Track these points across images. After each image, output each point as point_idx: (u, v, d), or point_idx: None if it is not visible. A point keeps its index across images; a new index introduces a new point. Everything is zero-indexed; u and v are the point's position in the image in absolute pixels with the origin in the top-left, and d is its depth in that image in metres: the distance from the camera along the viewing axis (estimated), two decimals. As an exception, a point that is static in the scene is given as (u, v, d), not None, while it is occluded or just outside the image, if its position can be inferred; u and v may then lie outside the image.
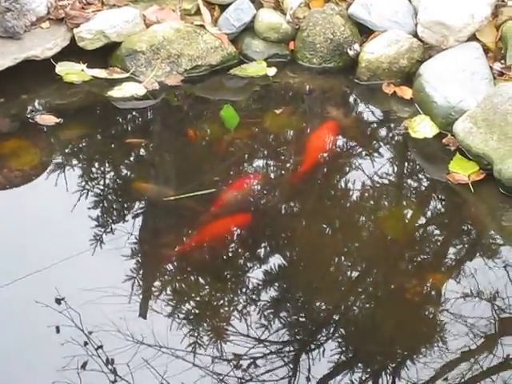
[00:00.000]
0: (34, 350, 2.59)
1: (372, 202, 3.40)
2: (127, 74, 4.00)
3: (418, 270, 3.03)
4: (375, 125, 3.93)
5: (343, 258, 3.10)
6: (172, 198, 3.23)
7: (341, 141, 3.78)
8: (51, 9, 4.07)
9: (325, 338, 2.70)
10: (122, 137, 3.74)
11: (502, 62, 3.90)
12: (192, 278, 2.99)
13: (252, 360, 2.60)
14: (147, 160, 3.64)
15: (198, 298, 2.87)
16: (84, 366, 2.54)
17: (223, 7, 4.24)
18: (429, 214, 3.38)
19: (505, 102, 3.45)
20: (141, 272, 2.94)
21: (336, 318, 2.84)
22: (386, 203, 3.43)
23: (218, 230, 3.15)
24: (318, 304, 2.88)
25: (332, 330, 2.75)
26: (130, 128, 3.89)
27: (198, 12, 4.25)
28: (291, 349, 2.67)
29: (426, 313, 2.87)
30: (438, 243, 3.21)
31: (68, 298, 2.76)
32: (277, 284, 2.94)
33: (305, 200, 3.39)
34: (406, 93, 3.96)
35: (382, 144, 3.74)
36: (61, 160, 3.51)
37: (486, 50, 3.96)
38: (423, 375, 2.56)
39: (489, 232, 3.29)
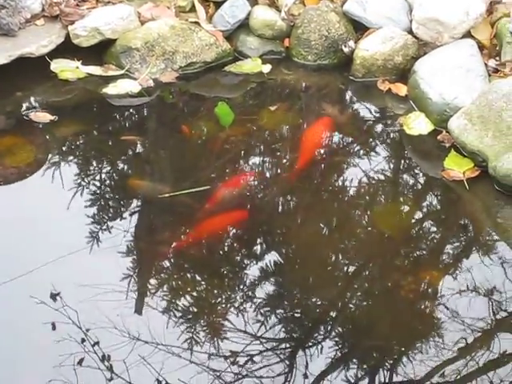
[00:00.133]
0: (30, 347, 2.58)
1: (367, 199, 3.39)
2: (122, 71, 4.00)
3: (412, 266, 3.04)
4: (370, 122, 3.94)
5: (338, 255, 3.11)
6: (167, 195, 3.23)
7: (335, 137, 3.78)
8: (46, 6, 4.07)
9: (321, 335, 2.70)
10: (116, 134, 3.74)
11: (497, 58, 3.90)
12: (188, 274, 2.99)
13: (248, 356, 2.60)
14: (142, 157, 3.63)
15: (194, 295, 2.87)
16: (80, 362, 2.54)
17: (218, 4, 4.24)
18: (423, 210, 3.38)
19: (499, 99, 3.46)
20: (137, 269, 2.94)
21: (332, 314, 2.85)
22: (380, 200, 3.43)
23: (214, 227, 3.15)
24: (313, 300, 2.88)
25: (328, 326, 2.75)
26: (124, 125, 3.89)
27: (192, 9, 4.25)
28: (288, 345, 2.67)
29: (421, 309, 2.87)
30: (433, 240, 3.21)
31: (64, 295, 2.76)
32: (273, 280, 2.94)
33: (299, 196, 3.39)
34: (401, 89, 3.97)
35: (376, 141, 3.74)
36: (56, 157, 3.50)
37: (481, 46, 3.96)
38: (419, 371, 2.57)
39: (484, 229, 3.29)
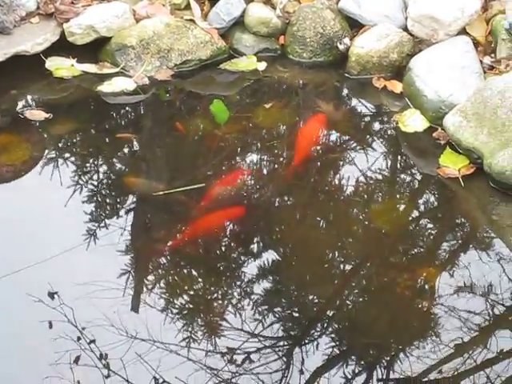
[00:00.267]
0: (26, 345, 2.58)
1: (362, 197, 3.39)
2: (117, 69, 3.99)
3: (409, 263, 3.04)
4: (365, 119, 3.94)
5: (335, 252, 3.11)
6: (162, 192, 3.23)
7: (331, 135, 3.78)
8: (41, 4, 4.06)
9: (318, 332, 2.71)
10: (112, 132, 3.73)
11: (492, 55, 3.90)
12: (185, 271, 2.99)
13: (245, 354, 2.60)
14: (138, 155, 3.63)
15: (190, 292, 2.87)
16: (77, 360, 2.54)
17: (213, 2, 4.24)
18: (419, 208, 3.38)
19: (495, 96, 3.46)
20: (133, 266, 2.94)
21: (329, 311, 2.85)
22: (376, 197, 3.43)
23: (211, 224, 3.15)
24: (310, 297, 2.88)
25: (325, 323, 2.75)
26: (120, 123, 3.89)
27: (187, 6, 4.25)
28: (284, 342, 2.68)
29: (418, 305, 2.87)
30: (428, 237, 3.21)
31: (60, 292, 2.75)
32: (270, 278, 2.94)
33: (295, 193, 3.39)
34: (396, 87, 3.97)
35: (372, 138, 3.74)
36: (51, 155, 3.50)
37: (476, 43, 3.96)
38: (416, 368, 2.57)
39: (479, 226, 3.29)
